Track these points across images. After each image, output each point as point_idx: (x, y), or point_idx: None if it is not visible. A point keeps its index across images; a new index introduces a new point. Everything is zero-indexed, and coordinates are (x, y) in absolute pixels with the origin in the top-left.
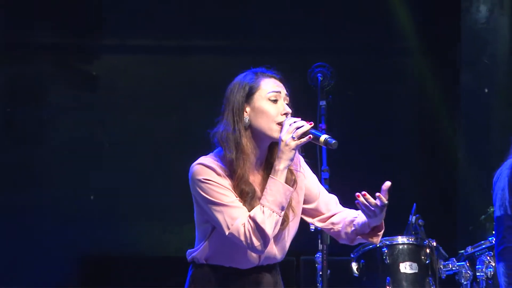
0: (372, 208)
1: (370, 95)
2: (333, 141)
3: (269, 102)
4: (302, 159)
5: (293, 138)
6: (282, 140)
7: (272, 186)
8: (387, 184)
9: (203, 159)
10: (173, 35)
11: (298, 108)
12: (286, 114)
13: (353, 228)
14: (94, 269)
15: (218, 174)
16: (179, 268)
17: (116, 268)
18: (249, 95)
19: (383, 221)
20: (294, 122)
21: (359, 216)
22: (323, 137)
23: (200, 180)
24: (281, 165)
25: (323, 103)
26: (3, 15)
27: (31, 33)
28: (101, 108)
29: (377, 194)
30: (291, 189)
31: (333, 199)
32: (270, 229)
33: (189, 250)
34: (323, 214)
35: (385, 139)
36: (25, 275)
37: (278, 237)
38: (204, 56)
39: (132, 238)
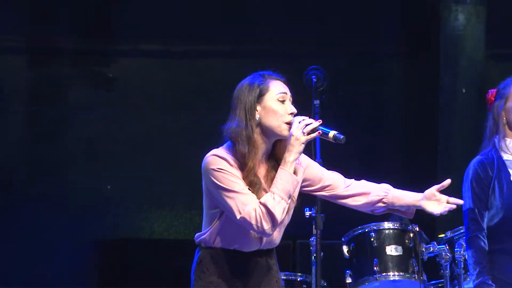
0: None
1: (359, 94)
2: (342, 137)
3: (278, 103)
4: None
5: (303, 133)
6: (293, 135)
7: (283, 176)
8: (448, 181)
9: (216, 151)
10: (181, 40)
11: (295, 107)
12: (292, 113)
13: (384, 206)
14: (111, 251)
15: (231, 165)
16: (187, 250)
17: (131, 251)
18: (260, 95)
19: None
20: (303, 119)
21: (390, 196)
22: (332, 132)
23: (214, 169)
24: (291, 157)
25: (317, 102)
26: (28, 23)
27: (53, 39)
28: (117, 106)
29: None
30: (298, 180)
31: (339, 176)
32: (279, 214)
33: (197, 234)
34: (336, 189)
35: (372, 134)
36: (49, 256)
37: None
38: (208, 60)
39: (145, 223)
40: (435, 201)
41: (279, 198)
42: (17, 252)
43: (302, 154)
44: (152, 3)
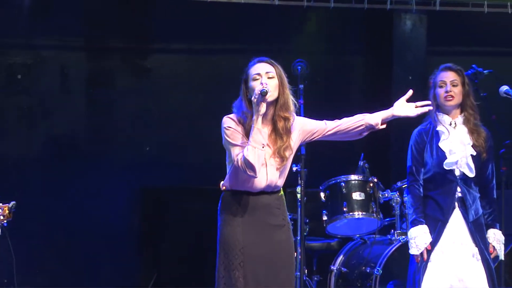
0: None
1: (331, 81)
2: (264, 90)
3: (254, 81)
4: (296, 116)
5: (254, 98)
6: (253, 101)
7: (252, 132)
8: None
9: (228, 115)
10: (200, 41)
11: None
12: (261, 84)
13: (365, 128)
14: (151, 198)
15: (236, 124)
16: (216, 196)
17: (167, 197)
18: (246, 79)
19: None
20: (258, 87)
21: (368, 118)
22: (258, 89)
23: (225, 128)
24: (254, 116)
25: (301, 86)
26: (86, 27)
27: (105, 39)
28: (152, 90)
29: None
30: (263, 130)
31: (328, 121)
32: (253, 159)
33: (222, 182)
34: (332, 129)
35: (342, 112)
36: (100, 203)
37: (278, 169)
38: (220, 55)
39: (179, 174)
40: (406, 107)
41: (251, 148)
42: (82, 200)
43: (300, 116)
44: (178, 13)
